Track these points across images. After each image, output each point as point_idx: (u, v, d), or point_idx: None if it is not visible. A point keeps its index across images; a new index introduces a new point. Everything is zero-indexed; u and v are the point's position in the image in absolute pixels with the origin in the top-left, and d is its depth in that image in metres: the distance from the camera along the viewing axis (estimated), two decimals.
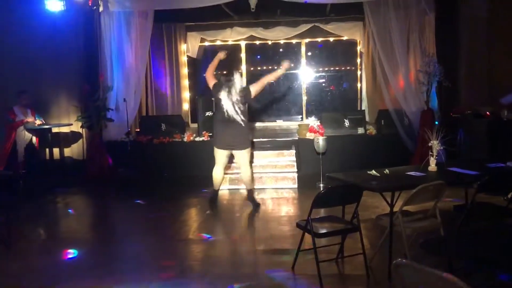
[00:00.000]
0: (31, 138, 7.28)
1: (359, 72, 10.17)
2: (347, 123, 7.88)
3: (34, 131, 7.26)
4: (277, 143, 7.88)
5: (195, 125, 9.10)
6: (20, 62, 7.28)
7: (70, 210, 6.15)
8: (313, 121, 9.20)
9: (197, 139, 7.95)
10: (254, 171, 7.03)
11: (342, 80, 11.12)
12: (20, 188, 6.78)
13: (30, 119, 7.16)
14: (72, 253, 4.36)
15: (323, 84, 11.13)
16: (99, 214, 6.24)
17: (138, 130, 8.67)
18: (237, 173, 7.02)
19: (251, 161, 5.84)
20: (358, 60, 10.14)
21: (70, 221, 5.71)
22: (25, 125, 7.10)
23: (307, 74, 10.36)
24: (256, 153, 7.35)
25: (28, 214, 5.90)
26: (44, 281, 3.73)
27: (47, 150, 7.60)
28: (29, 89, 7.28)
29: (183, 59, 10.05)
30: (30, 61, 7.46)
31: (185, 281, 3.66)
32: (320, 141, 6.81)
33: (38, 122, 7.24)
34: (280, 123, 10.02)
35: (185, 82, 10.11)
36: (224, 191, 6.77)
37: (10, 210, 5.00)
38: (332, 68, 11.00)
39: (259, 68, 11.03)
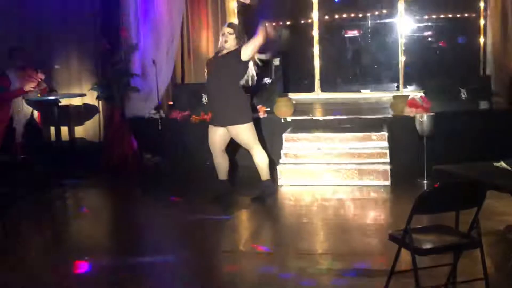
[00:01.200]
0: (32, 113, 7.61)
1: (482, 21, 9.80)
2: (463, 94, 7.69)
3: (35, 103, 7.57)
4: (362, 123, 7.80)
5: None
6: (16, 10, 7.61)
7: (83, 209, 6.42)
8: (414, 92, 9.02)
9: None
10: (328, 161, 7.05)
11: (456, 32, 10.79)
12: (18, 178, 7.13)
13: (32, 84, 7.39)
14: (86, 265, 4.57)
15: (429, 39, 10.85)
16: (121, 215, 6.47)
17: (172, 103, 8.87)
18: (300, 163, 7.06)
19: (253, 134, 6.12)
20: (481, 4, 9.78)
21: (83, 224, 5.96)
22: (24, 96, 7.41)
23: (406, 25, 10.12)
24: (331, 136, 7.32)
25: (29, 213, 6.22)
26: None
27: (53, 128, 7.94)
28: (27, 46, 7.62)
29: (232, 6, 10.11)
30: (29, 9, 7.78)
31: None
32: (425, 120, 6.68)
33: (42, 86, 7.49)
34: (366, 94, 9.89)
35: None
36: (286, 187, 6.83)
37: (6, 207, 5.29)
38: (442, 16, 10.69)
39: (336, 17, 10.93)
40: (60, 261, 4.74)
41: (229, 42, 5.92)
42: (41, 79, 7.52)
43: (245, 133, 5.98)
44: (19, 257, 4.87)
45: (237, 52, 5.90)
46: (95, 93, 8.38)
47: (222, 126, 6.00)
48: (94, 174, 7.79)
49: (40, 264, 4.74)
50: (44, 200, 6.77)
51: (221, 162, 6.28)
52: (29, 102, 7.51)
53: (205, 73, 6.14)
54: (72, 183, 7.37)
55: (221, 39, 6.03)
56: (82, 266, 4.56)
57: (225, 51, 5.98)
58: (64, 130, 8.28)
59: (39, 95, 7.50)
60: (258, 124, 7.66)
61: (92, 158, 8.23)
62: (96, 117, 8.84)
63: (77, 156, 8.22)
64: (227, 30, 5.98)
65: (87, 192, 7.14)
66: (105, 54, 8.12)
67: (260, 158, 6.13)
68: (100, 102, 8.61)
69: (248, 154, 7.12)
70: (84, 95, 8.44)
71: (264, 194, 6.21)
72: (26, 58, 7.52)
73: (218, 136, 6.10)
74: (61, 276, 4.41)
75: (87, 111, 8.81)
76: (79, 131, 8.83)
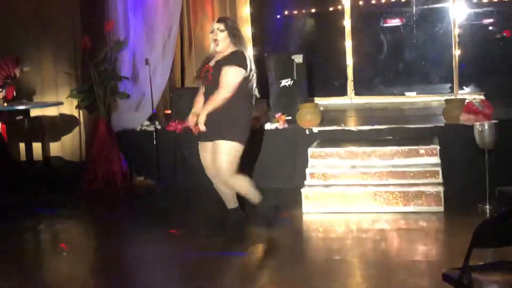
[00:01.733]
0: None
1: None
2: None
3: None
4: (406, 134, 7.80)
5: (262, 103, 9.18)
6: None
7: (61, 246, 6.45)
8: (472, 95, 9.01)
9: (267, 126, 8.05)
10: (365, 182, 7.02)
11: None
12: None
13: None
14: None
15: (490, 28, 10.84)
16: (106, 252, 6.49)
17: (169, 112, 8.92)
18: (330, 185, 7.05)
19: (233, 159, 5.89)
20: None
21: (63, 264, 5.97)
22: None
23: (460, 10, 10.13)
24: (368, 150, 7.30)
25: None
26: None
27: (23, 145, 8.00)
28: None
29: None
30: None
31: None
32: (486, 129, 6.65)
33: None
34: (411, 98, 9.89)
35: (246, 30, 10.22)
36: (313, 215, 6.83)
37: None
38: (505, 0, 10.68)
39: (373, 2, 10.96)
40: None
41: (220, 42, 5.76)
42: (14, 74, 7.61)
43: (226, 152, 5.83)
44: None
45: (224, 62, 5.74)
46: (75, 101, 8.45)
47: (210, 140, 5.90)
48: (74, 201, 7.83)
49: None
50: (11, 234, 6.79)
51: (224, 190, 6.18)
52: None
53: (198, 85, 6.14)
54: (47, 213, 7.42)
55: (210, 38, 5.86)
56: None
57: (219, 56, 5.83)
58: (37, 146, 8.33)
59: (5, 104, 7.58)
60: (283, 137, 7.71)
61: (71, 181, 8.29)
62: (76, 130, 8.90)
63: (53, 179, 8.28)
64: (216, 26, 5.80)
65: (66, 224, 7.17)
66: (87, 53, 8.18)
67: (238, 188, 6.10)
68: (80, 112, 8.69)
69: (263, 173, 7.17)
70: (61, 103, 8.50)
71: (235, 223, 6.29)
72: None
73: (206, 155, 6.01)
74: None
75: (65, 123, 8.87)
76: (54, 148, 8.89)
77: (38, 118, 8.42)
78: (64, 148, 8.97)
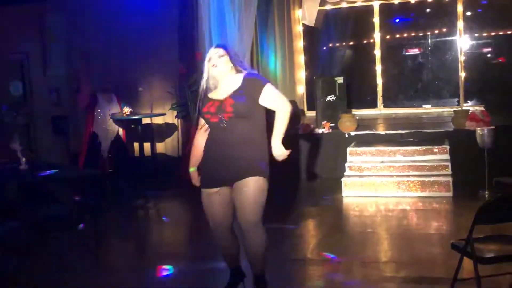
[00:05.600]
0: (118, 131, 7.90)
1: None
2: None
3: (121, 122, 7.87)
4: (424, 136, 7.67)
5: (312, 114, 9.18)
6: (108, 36, 7.98)
7: (164, 218, 6.60)
8: (474, 106, 8.78)
9: (315, 131, 8.04)
10: (391, 173, 6.94)
11: None
12: (107, 190, 7.41)
13: (115, 109, 7.76)
14: (167, 269, 4.69)
15: (488, 55, 10.52)
16: (198, 223, 6.57)
17: None
18: (364, 176, 6.98)
19: (264, 200, 3.69)
20: None
21: (164, 231, 6.14)
22: (112, 116, 7.73)
23: (465, 42, 9.88)
24: (394, 149, 7.21)
25: (116, 221, 6.45)
26: None
27: (137, 145, 8.20)
28: (114, 69, 7.94)
29: (298, 28, 10.14)
30: (118, 38, 8.13)
31: None
32: (486, 133, 6.50)
33: (126, 110, 7.80)
34: (428, 110, 9.70)
35: (300, 59, 10.20)
36: (350, 198, 6.77)
37: (97, 216, 5.50)
38: (501, 33, 10.34)
39: (397, 36, 10.78)
40: (144, 264, 4.88)
41: (219, 66, 3.62)
42: (126, 114, 7.81)
43: (259, 190, 3.61)
44: (108, 261, 5.08)
45: (256, 86, 3.61)
46: (174, 112, 8.61)
47: (224, 185, 3.69)
48: (174, 187, 7.97)
49: (127, 268, 4.90)
50: (129, 209, 6.99)
51: (229, 245, 3.91)
52: (116, 121, 7.80)
53: (210, 124, 3.67)
54: (154, 194, 7.57)
55: (205, 67, 3.68)
56: (163, 270, 4.67)
57: (232, 86, 3.62)
58: (147, 146, 8.53)
59: (125, 115, 7.78)
60: (327, 140, 7.67)
61: (172, 172, 8.44)
62: (175, 134, 9.08)
63: (158, 170, 8.44)
64: (213, 52, 3.68)
65: (167, 203, 7.32)
66: (183, 77, 8.34)
67: (259, 241, 3.71)
68: (178, 120, 8.84)
69: (313, 167, 7.11)
70: (164, 114, 8.69)
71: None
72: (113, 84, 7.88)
73: (219, 205, 3.74)
74: (145, 280, 4.54)
75: (168, 129, 9.07)
76: (160, 147, 9.08)
77: (148, 125, 8.61)
78: (167, 147, 9.16)
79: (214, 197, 3.71)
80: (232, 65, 3.66)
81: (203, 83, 3.70)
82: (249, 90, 3.60)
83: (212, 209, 3.74)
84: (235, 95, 3.58)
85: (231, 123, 3.57)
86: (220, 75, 3.64)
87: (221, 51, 3.67)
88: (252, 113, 3.61)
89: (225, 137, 3.61)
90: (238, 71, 3.68)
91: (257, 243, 3.70)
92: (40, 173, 5.55)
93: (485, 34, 10.22)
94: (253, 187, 3.58)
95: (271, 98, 3.60)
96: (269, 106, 3.62)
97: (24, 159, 5.69)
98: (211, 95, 3.67)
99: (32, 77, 9.65)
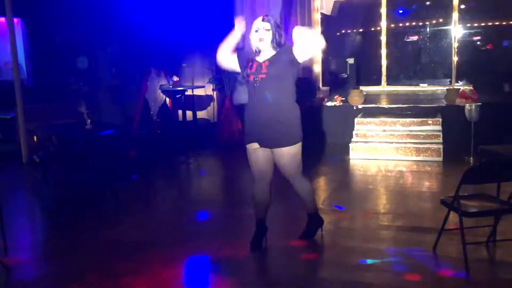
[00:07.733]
0: (165, 99, 7.96)
1: None
2: (507, 88, 7.24)
3: (167, 92, 7.92)
4: (420, 110, 7.56)
5: (326, 89, 9.10)
6: (159, 20, 7.96)
7: (202, 171, 6.68)
8: (464, 86, 8.60)
9: (329, 103, 7.98)
10: (391, 140, 6.88)
11: (502, 37, 10.11)
12: (155, 148, 7.50)
13: (163, 81, 7.82)
14: (204, 214, 4.77)
15: (478, 43, 10.25)
16: (230, 177, 6.66)
17: None
18: (368, 142, 6.93)
19: (299, 159, 3.70)
20: None
21: (202, 182, 6.22)
22: (160, 87, 7.78)
23: (458, 31, 9.61)
24: (394, 120, 7.13)
25: (162, 173, 6.55)
26: (180, 237, 4.16)
27: (180, 112, 8.25)
28: (164, 49, 7.94)
29: (316, 16, 9.96)
30: (168, 23, 8.11)
31: (314, 250, 3.82)
32: (473, 109, 6.37)
33: (175, 78, 7.81)
34: (424, 88, 9.52)
35: None
36: (356, 160, 6.75)
37: (148, 169, 5.61)
38: (490, 23, 10.04)
39: (400, 25, 10.54)
40: (184, 210, 4.97)
41: (265, 40, 3.53)
42: (175, 80, 7.82)
43: (293, 156, 3.62)
44: (156, 204, 5.20)
45: (288, 51, 3.54)
46: (212, 86, 8.60)
47: (269, 147, 3.64)
48: (211, 146, 8.02)
49: (171, 210, 5.00)
50: (174, 164, 7.08)
51: (262, 197, 3.81)
52: (163, 91, 7.84)
53: (249, 83, 3.63)
54: (194, 152, 7.63)
55: (253, 37, 3.58)
56: (201, 214, 4.76)
57: (270, 53, 3.58)
58: (189, 113, 8.57)
59: (171, 87, 7.82)
60: (337, 111, 7.60)
61: (209, 133, 8.49)
62: (212, 103, 9.09)
63: (198, 132, 8.51)
64: (261, 25, 3.55)
65: (205, 159, 7.39)
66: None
67: (304, 188, 3.81)
68: (215, 92, 8.84)
69: (326, 133, 7.08)
70: (203, 86, 8.68)
71: (312, 228, 3.99)
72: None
73: (263, 159, 3.69)
74: (186, 221, 4.63)
75: (207, 99, 9.08)
76: (199, 114, 9.12)
77: (190, 96, 8.63)
78: (205, 114, 9.18)
79: (258, 152, 3.67)
80: (273, 39, 3.55)
81: (253, 47, 3.63)
82: (282, 56, 3.54)
83: (257, 162, 3.70)
84: (271, 59, 3.56)
85: (263, 84, 3.53)
86: (264, 47, 3.57)
87: (267, 25, 3.55)
88: (283, 77, 3.54)
89: (258, 99, 3.57)
90: (277, 45, 3.58)
91: (302, 190, 3.81)
92: (101, 132, 5.63)
93: (476, 25, 9.96)
94: (290, 156, 3.60)
95: (302, 43, 3.47)
96: (303, 47, 3.48)
97: (89, 120, 5.78)
98: (256, 57, 3.64)
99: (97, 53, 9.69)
